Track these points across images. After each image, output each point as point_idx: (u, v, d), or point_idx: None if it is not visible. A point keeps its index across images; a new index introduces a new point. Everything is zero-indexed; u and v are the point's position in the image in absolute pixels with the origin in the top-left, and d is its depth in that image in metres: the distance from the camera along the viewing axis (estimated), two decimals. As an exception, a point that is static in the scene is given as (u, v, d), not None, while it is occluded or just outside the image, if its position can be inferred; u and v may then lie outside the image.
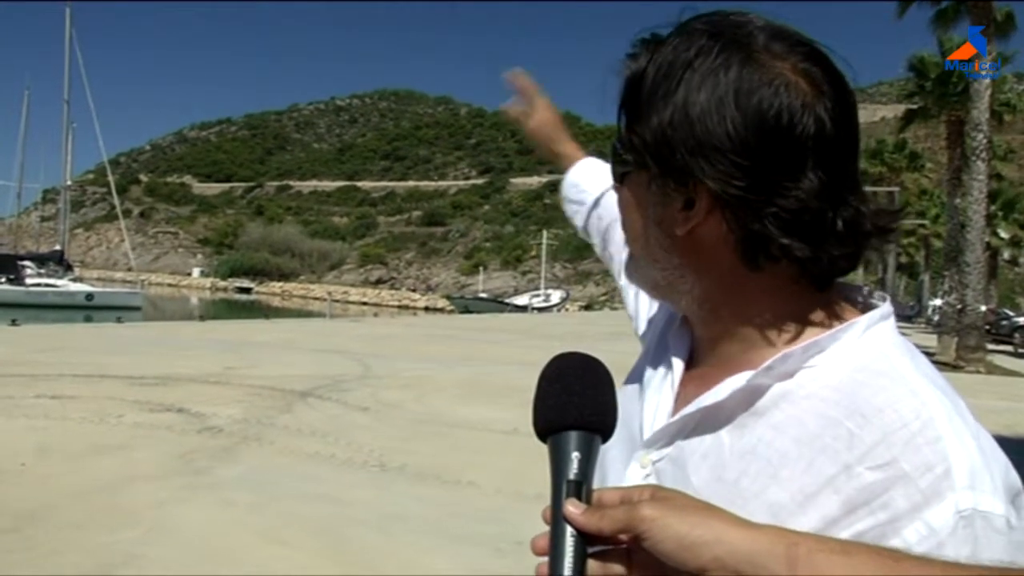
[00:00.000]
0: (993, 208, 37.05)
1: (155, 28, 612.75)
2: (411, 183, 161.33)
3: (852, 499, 0.65)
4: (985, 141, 20.19)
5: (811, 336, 0.74)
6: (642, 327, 1.08)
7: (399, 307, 68.33)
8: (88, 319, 28.53)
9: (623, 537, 0.61)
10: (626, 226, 0.84)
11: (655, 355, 0.91)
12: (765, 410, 0.73)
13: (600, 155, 1.42)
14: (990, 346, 23.48)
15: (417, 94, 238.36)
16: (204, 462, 6.21)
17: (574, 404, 0.67)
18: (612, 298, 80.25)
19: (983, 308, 21.37)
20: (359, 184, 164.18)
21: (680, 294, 0.80)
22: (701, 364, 0.83)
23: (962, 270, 20.63)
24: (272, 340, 16.89)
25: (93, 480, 5.58)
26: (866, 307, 0.78)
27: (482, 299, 58.19)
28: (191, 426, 7.52)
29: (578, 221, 1.42)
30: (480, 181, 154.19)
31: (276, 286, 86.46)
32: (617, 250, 1.25)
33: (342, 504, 5.28)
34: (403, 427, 8.05)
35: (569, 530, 0.61)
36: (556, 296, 59.91)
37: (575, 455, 0.65)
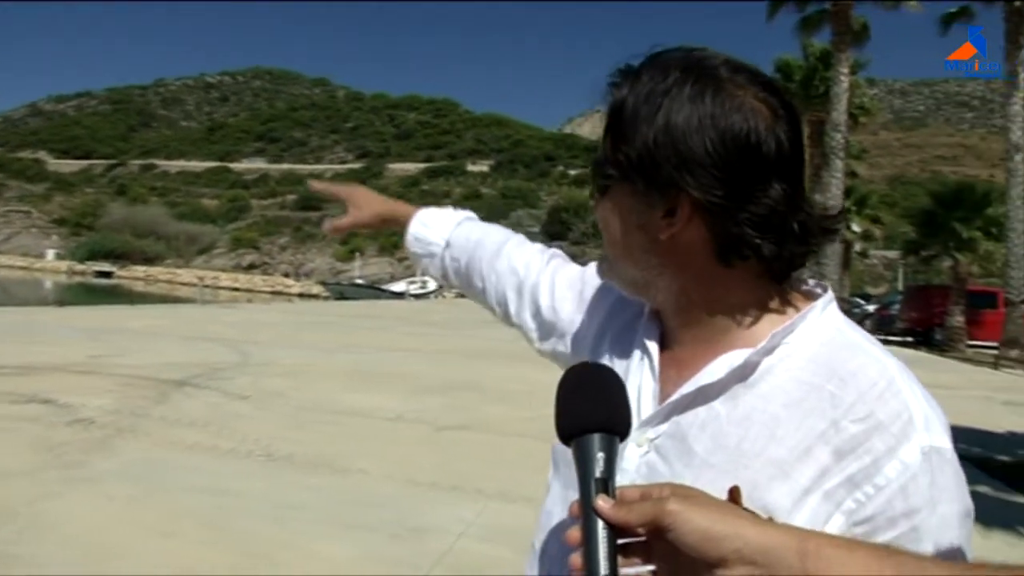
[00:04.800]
0: (847, 203, 39.35)
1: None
2: (286, 166, 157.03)
3: (841, 448, 0.79)
4: (843, 141, 21.49)
5: (778, 318, 0.88)
6: (559, 336, 1.18)
7: (272, 293, 66.30)
8: (-71, 304, 26.40)
9: (641, 531, 0.69)
10: (605, 233, 0.95)
11: (616, 347, 1.02)
12: (753, 383, 0.85)
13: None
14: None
15: (293, 74, 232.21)
16: (77, 455, 5.92)
17: (596, 409, 0.74)
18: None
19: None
20: (231, 165, 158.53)
21: (657, 290, 0.92)
22: (676, 349, 0.93)
23: (820, 261, 21.91)
24: (140, 327, 16.15)
25: (-45, 476, 5.23)
26: (811, 294, 0.92)
27: (358, 285, 57.23)
28: (59, 418, 7.14)
29: (434, 271, 1.41)
30: (357, 166, 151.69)
31: (140, 270, 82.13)
32: (491, 283, 1.30)
33: (230, 495, 5.16)
34: (287, 415, 7.90)
35: (600, 524, 0.68)
36: (433, 283, 59.50)
37: (600, 455, 0.72)
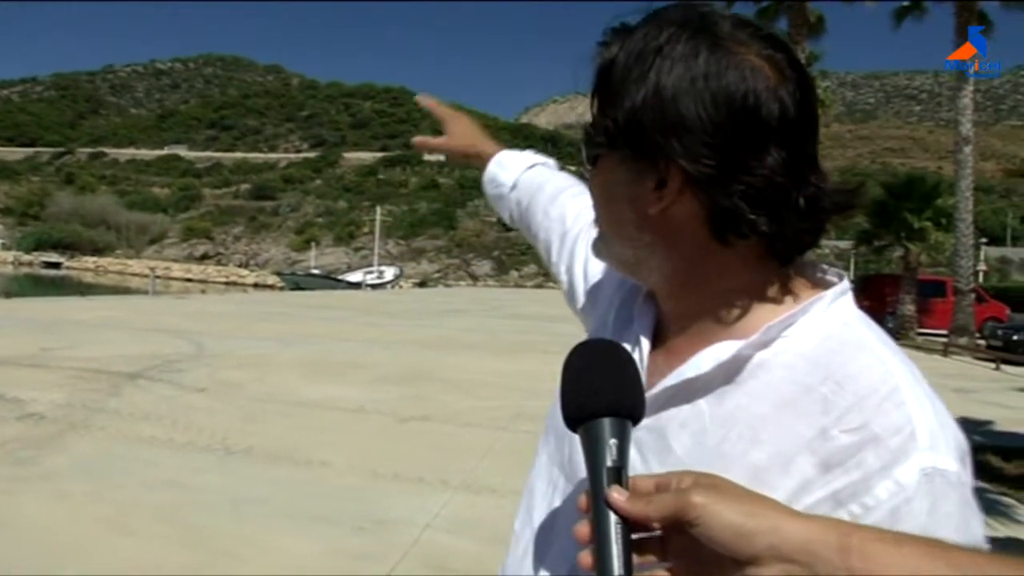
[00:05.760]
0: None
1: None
2: (239, 154, 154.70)
3: (828, 460, 0.69)
4: (798, 132, 21.75)
5: (778, 308, 0.78)
6: (580, 301, 1.12)
7: (227, 283, 65.41)
8: None
9: (656, 525, 0.62)
10: (596, 206, 0.86)
11: (615, 330, 0.93)
12: (743, 379, 0.76)
13: (513, 147, 1.45)
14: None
15: (245, 61, 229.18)
16: (29, 451, 5.74)
17: (605, 390, 0.67)
18: (446, 275, 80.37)
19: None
20: (182, 153, 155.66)
21: (649, 270, 0.83)
22: (669, 337, 0.85)
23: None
24: (91, 319, 15.78)
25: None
26: (823, 282, 0.82)
27: (314, 276, 56.64)
28: (9, 413, 6.93)
29: (504, 214, 1.41)
30: (312, 154, 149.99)
31: (89, 261, 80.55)
32: (542, 228, 1.27)
33: (189, 489, 5.05)
34: (245, 408, 7.77)
35: (613, 517, 0.61)
36: (390, 273, 59.17)
37: (612, 442, 0.64)
